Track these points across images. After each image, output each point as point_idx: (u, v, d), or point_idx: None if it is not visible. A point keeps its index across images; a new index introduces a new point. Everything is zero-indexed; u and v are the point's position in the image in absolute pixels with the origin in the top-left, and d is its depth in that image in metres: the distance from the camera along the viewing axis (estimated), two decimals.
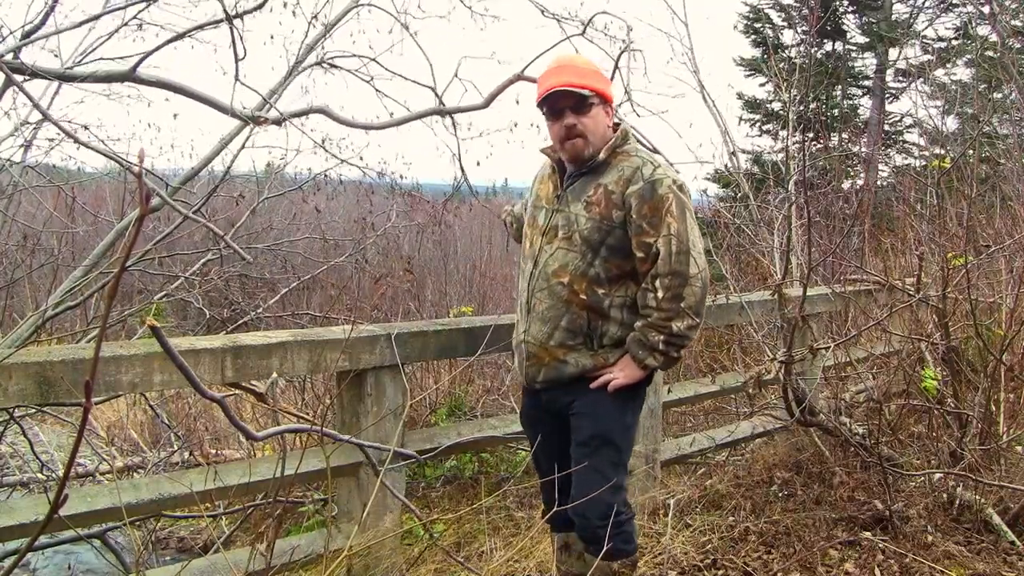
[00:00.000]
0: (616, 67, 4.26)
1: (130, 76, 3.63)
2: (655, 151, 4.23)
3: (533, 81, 4.17)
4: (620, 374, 2.50)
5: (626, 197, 2.45)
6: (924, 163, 11.25)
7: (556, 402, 2.61)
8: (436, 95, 4.38)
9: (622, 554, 2.52)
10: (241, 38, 3.50)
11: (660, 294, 2.41)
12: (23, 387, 2.28)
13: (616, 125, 2.62)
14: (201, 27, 3.72)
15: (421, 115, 4.50)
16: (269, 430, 1.65)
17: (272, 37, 4.69)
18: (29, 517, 2.39)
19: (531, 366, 2.60)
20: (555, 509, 2.39)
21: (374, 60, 4.50)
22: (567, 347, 2.52)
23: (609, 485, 2.45)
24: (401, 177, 5.56)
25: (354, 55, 4.56)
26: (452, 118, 4.54)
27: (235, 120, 4.13)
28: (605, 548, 2.35)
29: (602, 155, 2.52)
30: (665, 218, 2.41)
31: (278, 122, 4.10)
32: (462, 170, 4.79)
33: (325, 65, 4.59)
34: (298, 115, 4.29)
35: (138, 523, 3.90)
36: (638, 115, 4.44)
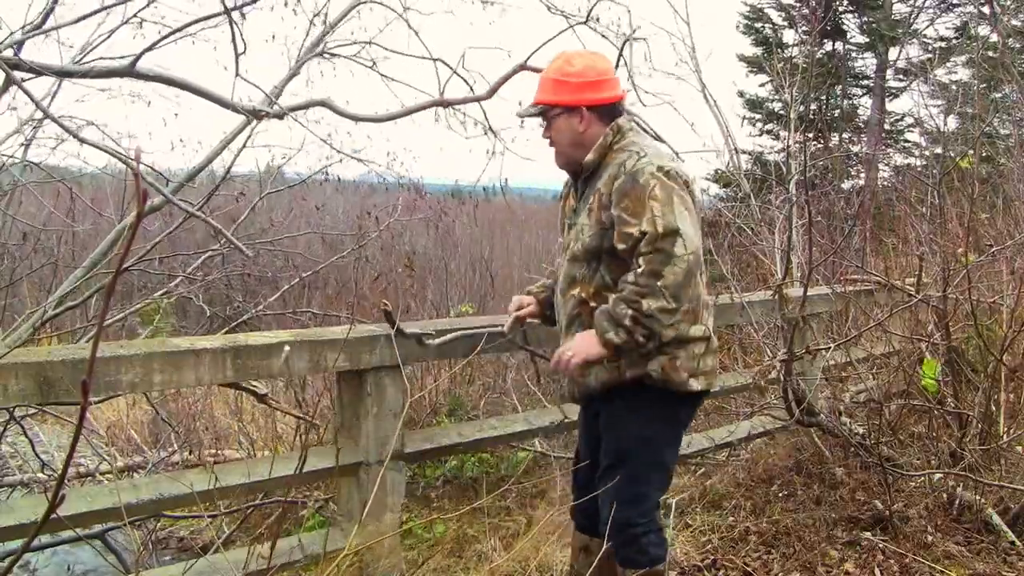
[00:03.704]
0: (620, 55, 4.24)
1: (130, 71, 3.61)
2: (659, 139, 4.21)
3: (536, 71, 4.16)
4: (574, 349, 2.39)
5: (613, 194, 2.36)
6: (925, 163, 11.26)
7: (592, 408, 2.64)
8: (439, 90, 4.37)
9: (633, 564, 2.48)
10: (240, 32, 3.49)
11: (640, 268, 2.27)
12: (23, 387, 2.28)
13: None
14: (199, 20, 3.70)
15: (423, 107, 4.44)
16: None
17: (274, 36, 4.67)
18: (29, 517, 2.38)
19: (569, 383, 2.61)
20: (574, 502, 2.50)
21: (375, 43, 4.48)
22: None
23: (627, 497, 2.44)
24: (404, 174, 5.53)
25: (355, 43, 4.53)
26: (454, 110, 4.51)
27: (237, 118, 4.13)
28: (616, 555, 2.43)
29: (592, 156, 2.45)
30: (648, 203, 2.27)
31: (279, 116, 4.10)
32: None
33: (327, 55, 4.56)
34: (299, 108, 4.28)
35: (138, 523, 3.90)
36: (644, 104, 4.42)
